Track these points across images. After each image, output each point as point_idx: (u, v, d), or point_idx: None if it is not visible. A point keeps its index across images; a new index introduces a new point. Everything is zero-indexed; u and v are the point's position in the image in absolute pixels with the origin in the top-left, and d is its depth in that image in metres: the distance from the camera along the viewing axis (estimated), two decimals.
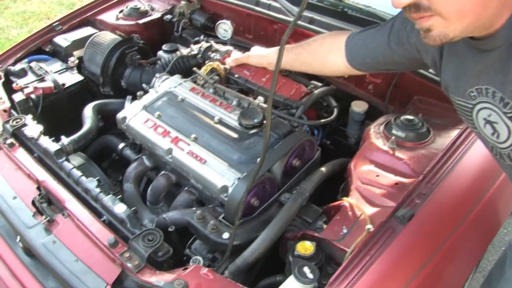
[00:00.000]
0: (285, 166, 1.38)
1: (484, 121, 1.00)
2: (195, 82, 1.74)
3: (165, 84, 1.70)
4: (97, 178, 1.45)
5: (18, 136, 1.61)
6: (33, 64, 1.98)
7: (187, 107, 1.59)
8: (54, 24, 2.16)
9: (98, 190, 1.38)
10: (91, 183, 1.41)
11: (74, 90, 1.95)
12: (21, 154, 1.53)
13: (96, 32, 2.09)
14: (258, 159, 1.35)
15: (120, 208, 1.31)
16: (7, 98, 1.79)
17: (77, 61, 2.02)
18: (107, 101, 1.89)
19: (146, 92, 1.71)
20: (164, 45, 2.06)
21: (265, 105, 1.56)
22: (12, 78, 1.90)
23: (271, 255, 1.29)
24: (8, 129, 1.60)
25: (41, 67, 1.96)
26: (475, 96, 0.99)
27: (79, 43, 2.08)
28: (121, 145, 1.74)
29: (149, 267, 1.14)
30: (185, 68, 1.93)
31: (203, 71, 1.73)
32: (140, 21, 2.22)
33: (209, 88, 1.70)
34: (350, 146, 1.74)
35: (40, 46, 2.11)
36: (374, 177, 1.30)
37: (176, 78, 1.74)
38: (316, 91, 1.63)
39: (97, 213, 1.35)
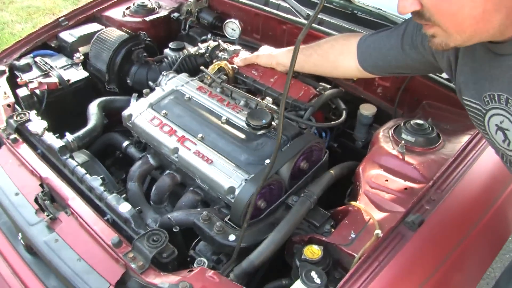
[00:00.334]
0: (293, 168, 1.36)
1: (496, 127, 0.99)
2: (202, 81, 1.73)
3: (172, 82, 1.69)
4: (101, 176, 1.43)
5: (22, 131, 1.59)
6: (38, 59, 1.97)
7: (194, 106, 1.58)
8: (60, 19, 2.15)
9: (102, 188, 1.36)
10: (95, 181, 1.39)
11: (79, 86, 1.93)
12: (24, 150, 1.51)
13: (102, 29, 2.08)
14: (266, 161, 1.34)
15: (124, 208, 1.29)
16: (11, 93, 1.77)
17: (82, 57, 2.00)
18: (113, 98, 1.88)
19: (152, 90, 1.69)
20: (171, 43, 2.04)
21: (273, 106, 1.54)
22: (17, 73, 1.89)
23: (275, 258, 1.27)
24: (12, 124, 1.58)
25: (46, 63, 1.95)
26: (488, 102, 0.98)
27: (85, 39, 2.06)
28: (125, 143, 1.72)
29: (153, 268, 1.12)
30: (192, 67, 1.91)
31: (210, 70, 1.72)
32: (147, 18, 2.21)
33: (217, 87, 1.68)
34: (357, 149, 1.72)
35: (46, 41, 2.10)
36: (383, 181, 1.29)
37: (183, 76, 1.72)
38: (325, 93, 1.61)
39: (100, 212, 1.34)
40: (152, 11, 2.26)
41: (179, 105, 1.58)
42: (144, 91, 1.68)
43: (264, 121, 1.42)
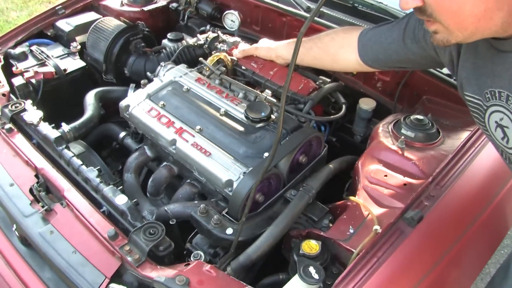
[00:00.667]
0: (291, 162, 1.35)
1: (495, 124, 0.98)
2: (201, 72, 1.71)
3: (170, 73, 1.67)
4: (98, 167, 1.41)
5: (17, 121, 1.57)
6: (34, 48, 1.94)
7: (193, 98, 1.56)
8: (57, 8, 2.11)
9: (98, 180, 1.35)
10: (91, 173, 1.37)
11: (76, 76, 1.91)
12: (19, 140, 1.49)
13: (100, 18, 2.04)
14: (265, 154, 1.33)
15: (121, 200, 1.27)
16: (7, 82, 1.74)
17: (79, 47, 1.97)
18: (110, 89, 1.86)
19: (150, 80, 1.67)
20: (169, 34, 2.02)
21: (272, 99, 1.53)
22: (12, 62, 1.86)
23: (273, 252, 1.26)
24: (6, 113, 1.56)
25: (42, 51, 1.92)
26: (489, 98, 0.97)
27: (82, 28, 2.03)
28: (122, 134, 1.71)
29: (149, 261, 1.11)
30: (190, 58, 1.89)
31: (209, 61, 1.70)
32: (145, 8, 2.18)
33: (215, 79, 1.66)
34: (356, 143, 1.71)
35: (42, 30, 2.06)
36: (382, 176, 1.28)
37: (182, 67, 1.70)
38: (325, 87, 1.60)
39: (96, 204, 1.32)
40: (150, 1, 2.24)
41: (177, 97, 1.56)
42: (142, 81, 1.66)
43: (263, 114, 1.41)
